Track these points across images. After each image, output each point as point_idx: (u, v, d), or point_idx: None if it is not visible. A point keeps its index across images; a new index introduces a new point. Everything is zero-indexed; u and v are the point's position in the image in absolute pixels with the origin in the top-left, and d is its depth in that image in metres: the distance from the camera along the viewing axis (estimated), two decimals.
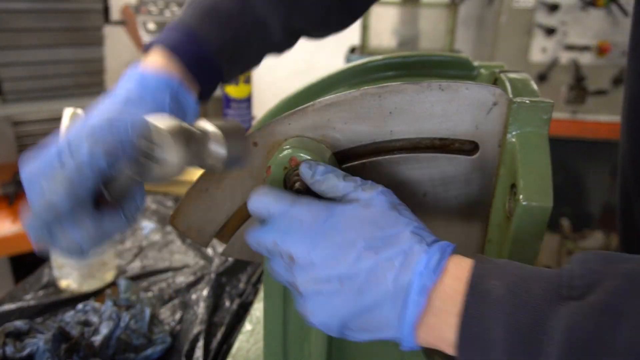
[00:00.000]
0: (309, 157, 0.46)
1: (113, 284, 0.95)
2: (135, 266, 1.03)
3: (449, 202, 0.51)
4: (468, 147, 0.49)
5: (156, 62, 0.53)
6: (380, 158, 0.50)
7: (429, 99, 0.47)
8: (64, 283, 0.92)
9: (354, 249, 0.39)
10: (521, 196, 0.42)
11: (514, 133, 0.46)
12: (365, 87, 0.48)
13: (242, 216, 0.56)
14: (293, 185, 0.46)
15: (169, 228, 1.20)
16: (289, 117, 0.49)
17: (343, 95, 0.48)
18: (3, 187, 2.19)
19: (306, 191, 0.46)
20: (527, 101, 0.46)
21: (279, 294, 0.52)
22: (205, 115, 1.92)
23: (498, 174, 0.48)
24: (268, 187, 0.46)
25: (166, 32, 0.56)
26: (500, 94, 0.46)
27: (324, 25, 0.70)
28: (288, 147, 0.47)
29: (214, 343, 0.80)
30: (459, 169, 0.49)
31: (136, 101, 0.49)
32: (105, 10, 2.29)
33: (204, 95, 0.58)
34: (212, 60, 0.56)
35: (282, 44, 0.66)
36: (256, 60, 0.65)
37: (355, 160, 0.51)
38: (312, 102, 0.49)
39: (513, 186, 0.45)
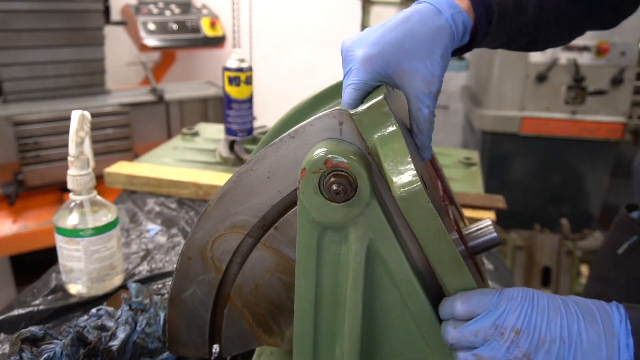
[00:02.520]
0: (343, 160, 0.46)
1: (122, 288, 0.94)
2: (143, 269, 1.03)
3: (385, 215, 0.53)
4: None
5: None
6: (290, 212, 0.55)
7: (289, 150, 0.51)
8: (72, 288, 0.91)
9: (561, 312, 0.47)
10: (395, 191, 0.45)
11: (373, 136, 0.49)
12: (238, 168, 0.54)
13: (220, 317, 0.62)
14: (330, 187, 0.46)
15: (174, 230, 1.20)
16: (199, 223, 0.57)
17: (226, 185, 0.55)
18: (3, 187, 2.18)
19: (344, 192, 0.46)
20: (361, 109, 0.49)
21: (311, 296, 0.53)
22: (206, 115, 1.92)
23: (382, 176, 0.50)
24: (464, 293, 0.49)
25: None
26: (339, 113, 0.49)
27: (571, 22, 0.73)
28: (322, 148, 0.47)
29: None
30: None
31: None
32: (106, 11, 2.28)
33: (470, 44, 0.63)
34: (492, 10, 0.61)
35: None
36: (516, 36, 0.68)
37: (278, 219, 0.56)
38: (208, 203, 0.56)
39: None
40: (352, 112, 0.49)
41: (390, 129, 0.48)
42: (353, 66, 0.54)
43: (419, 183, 0.44)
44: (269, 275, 0.58)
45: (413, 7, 0.57)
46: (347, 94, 0.53)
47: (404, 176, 0.45)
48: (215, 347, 0.66)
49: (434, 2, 0.57)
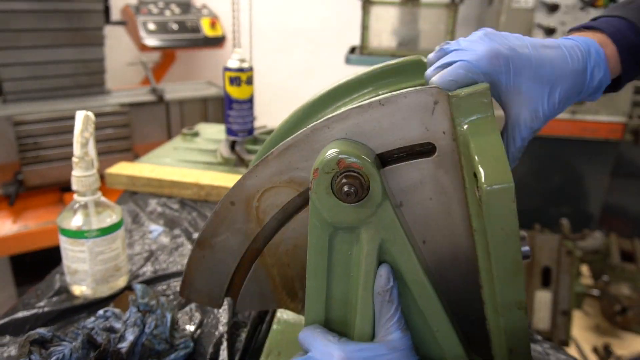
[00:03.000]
0: (356, 160, 0.46)
1: (127, 289, 0.94)
2: (147, 270, 1.02)
3: (426, 204, 0.52)
4: (425, 149, 0.50)
5: (594, 37, 0.56)
6: None
7: (374, 117, 0.49)
8: (77, 289, 0.91)
9: None
10: (483, 183, 0.44)
11: (463, 124, 0.48)
12: (314, 123, 0.50)
13: (244, 270, 0.60)
14: (341, 188, 0.46)
15: (177, 231, 1.19)
16: (255, 170, 0.54)
17: (296, 137, 0.51)
18: (3, 187, 2.18)
19: (355, 193, 0.46)
20: (462, 92, 0.47)
21: (322, 296, 0.53)
22: (206, 115, 1.91)
23: (461, 165, 0.49)
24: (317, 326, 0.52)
25: (601, 21, 0.58)
26: (437, 92, 0.47)
27: None
28: (334, 149, 0.47)
29: (239, 344, 0.79)
30: (424, 172, 0.50)
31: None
32: (106, 11, 2.28)
33: (615, 84, 0.59)
34: None
35: None
36: None
37: None
38: (270, 151, 0.52)
39: (475, 174, 0.47)
40: (451, 93, 0.47)
41: (489, 121, 0.47)
42: (476, 51, 0.50)
43: (512, 182, 0.44)
44: None
45: (562, 40, 0.54)
46: (451, 71, 0.49)
47: (498, 171, 0.44)
48: (226, 300, 0.64)
49: (584, 45, 0.53)
